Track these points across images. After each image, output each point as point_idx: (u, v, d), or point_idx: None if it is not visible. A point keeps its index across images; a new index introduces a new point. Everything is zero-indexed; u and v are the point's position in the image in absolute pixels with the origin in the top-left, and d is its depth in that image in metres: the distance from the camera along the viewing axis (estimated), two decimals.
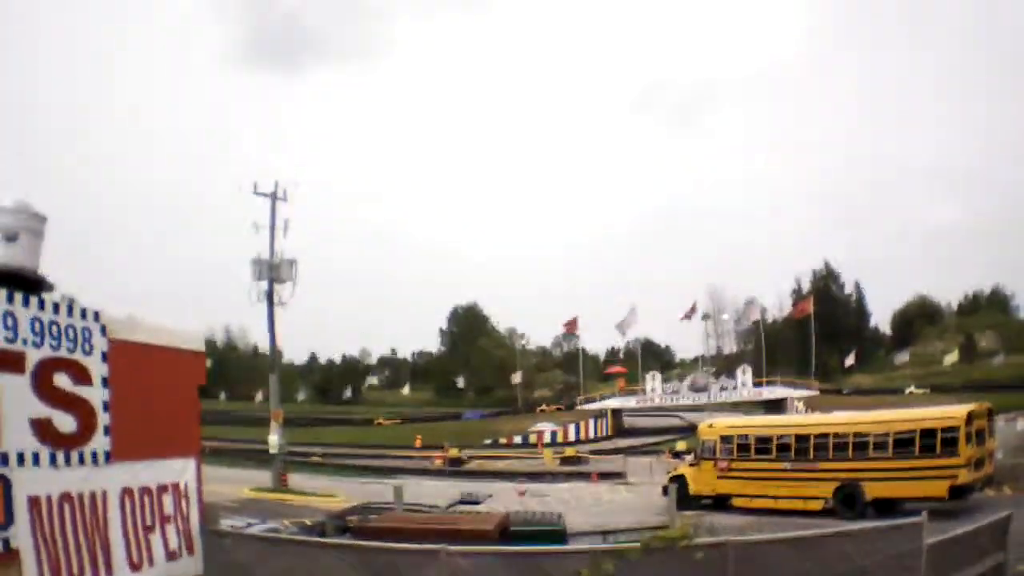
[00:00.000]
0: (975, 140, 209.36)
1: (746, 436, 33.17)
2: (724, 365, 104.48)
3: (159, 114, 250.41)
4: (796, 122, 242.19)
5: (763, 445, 32.31)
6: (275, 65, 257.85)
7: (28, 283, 9.69)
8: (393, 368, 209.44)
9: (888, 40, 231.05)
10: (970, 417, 28.22)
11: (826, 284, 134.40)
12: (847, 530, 12.22)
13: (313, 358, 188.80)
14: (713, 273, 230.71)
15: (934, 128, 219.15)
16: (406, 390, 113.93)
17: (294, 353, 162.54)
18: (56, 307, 9.16)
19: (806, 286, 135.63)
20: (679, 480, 33.99)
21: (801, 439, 31.26)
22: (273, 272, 41.03)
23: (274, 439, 40.33)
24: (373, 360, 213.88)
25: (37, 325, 8.82)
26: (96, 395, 9.61)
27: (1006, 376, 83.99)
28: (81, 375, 9.42)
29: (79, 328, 9.39)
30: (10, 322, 8.49)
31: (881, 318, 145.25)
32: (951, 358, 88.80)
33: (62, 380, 9.15)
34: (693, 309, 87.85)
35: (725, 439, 33.56)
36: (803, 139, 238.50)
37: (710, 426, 35.48)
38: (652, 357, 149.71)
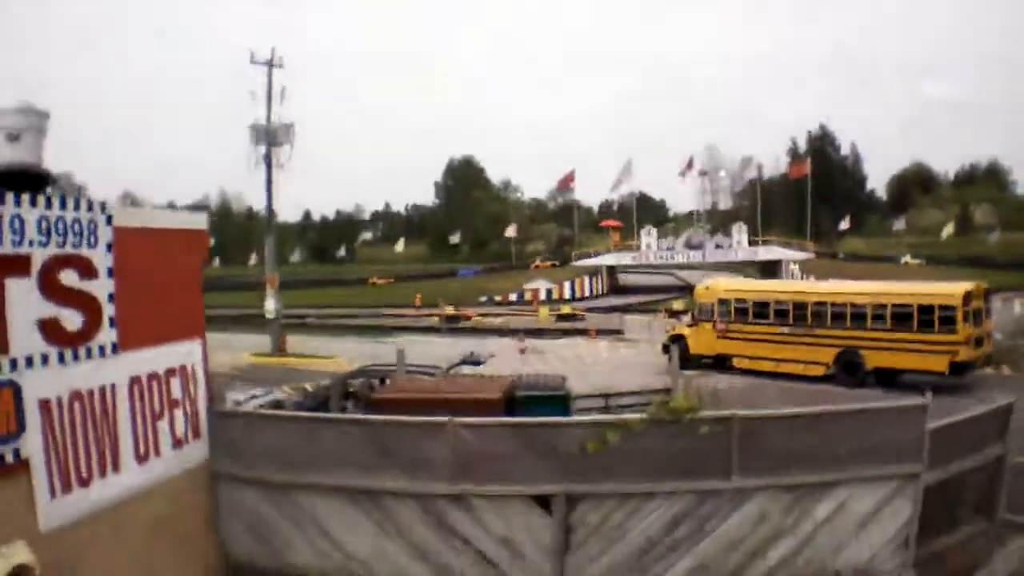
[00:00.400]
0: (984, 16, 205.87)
1: (743, 300, 33.35)
2: (720, 221, 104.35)
3: None
4: None
5: (760, 309, 32.57)
6: None
7: (33, 180, 9.52)
8: (387, 223, 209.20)
9: None
10: (967, 296, 28.39)
11: (822, 146, 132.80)
12: (851, 409, 12.29)
13: (307, 216, 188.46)
14: (711, 130, 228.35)
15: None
16: (400, 246, 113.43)
17: (288, 211, 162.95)
18: (63, 202, 8.95)
19: (802, 146, 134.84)
20: (679, 340, 34.36)
21: (799, 305, 31.48)
22: (270, 136, 40.47)
23: (271, 304, 40.53)
24: (367, 215, 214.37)
25: (44, 224, 8.63)
26: (102, 288, 9.48)
27: (1001, 253, 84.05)
28: (87, 269, 9.27)
29: (85, 221, 9.20)
30: (17, 224, 8.30)
31: (877, 183, 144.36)
32: (948, 230, 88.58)
33: (68, 277, 9.01)
34: (690, 164, 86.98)
35: (722, 302, 33.79)
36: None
37: (707, 288, 35.64)
38: (647, 211, 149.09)
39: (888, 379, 28.95)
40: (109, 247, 9.53)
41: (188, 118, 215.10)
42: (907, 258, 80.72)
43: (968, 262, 75.70)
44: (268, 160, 41.11)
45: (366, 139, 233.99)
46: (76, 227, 9.05)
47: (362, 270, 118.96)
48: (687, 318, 39.25)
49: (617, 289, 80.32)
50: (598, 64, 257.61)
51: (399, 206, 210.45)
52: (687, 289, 76.74)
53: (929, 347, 28.09)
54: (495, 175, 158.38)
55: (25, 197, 8.45)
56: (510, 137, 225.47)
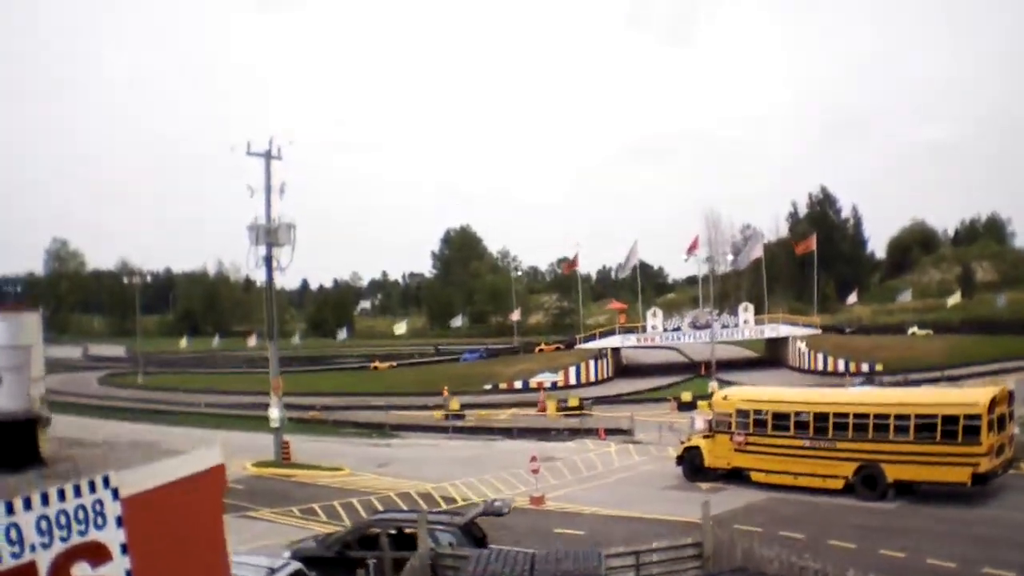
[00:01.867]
0: (974, 61, 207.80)
1: (762, 411, 32.38)
2: (721, 289, 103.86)
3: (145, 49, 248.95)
4: (792, 38, 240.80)
5: (780, 421, 31.59)
6: None
7: (22, 428, 8.63)
8: (385, 293, 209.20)
9: None
10: (992, 404, 27.59)
11: (823, 209, 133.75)
12: None
13: (305, 284, 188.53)
14: (707, 191, 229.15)
15: (933, 47, 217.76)
16: (401, 328, 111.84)
17: (285, 278, 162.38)
18: (62, 494, 8.09)
19: (803, 210, 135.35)
20: (693, 451, 33.45)
21: (820, 417, 30.55)
22: (271, 237, 39.46)
23: (275, 412, 39.43)
24: (364, 283, 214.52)
25: (44, 523, 7.77)
26: (117, 568, 8.62)
27: (1007, 314, 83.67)
28: (98, 554, 8.39)
29: (89, 504, 8.34)
30: (15, 534, 7.44)
31: (877, 242, 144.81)
32: (954, 299, 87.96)
33: (80, 569, 8.15)
34: (695, 245, 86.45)
35: (741, 413, 32.75)
36: (800, 57, 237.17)
37: (725, 398, 34.69)
38: (646, 279, 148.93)
39: (908, 490, 28.14)
40: (119, 522, 8.67)
41: (186, 184, 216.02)
42: (914, 329, 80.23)
43: (975, 327, 75.32)
44: (268, 262, 40.20)
45: (362, 206, 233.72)
46: (81, 514, 8.19)
47: (362, 346, 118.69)
48: (699, 420, 38.08)
49: (622, 369, 79.36)
50: (591, 126, 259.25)
51: (396, 274, 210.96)
52: (693, 366, 76.23)
53: (952, 458, 27.22)
54: (491, 243, 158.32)
55: (18, 504, 7.57)
56: (504, 201, 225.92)
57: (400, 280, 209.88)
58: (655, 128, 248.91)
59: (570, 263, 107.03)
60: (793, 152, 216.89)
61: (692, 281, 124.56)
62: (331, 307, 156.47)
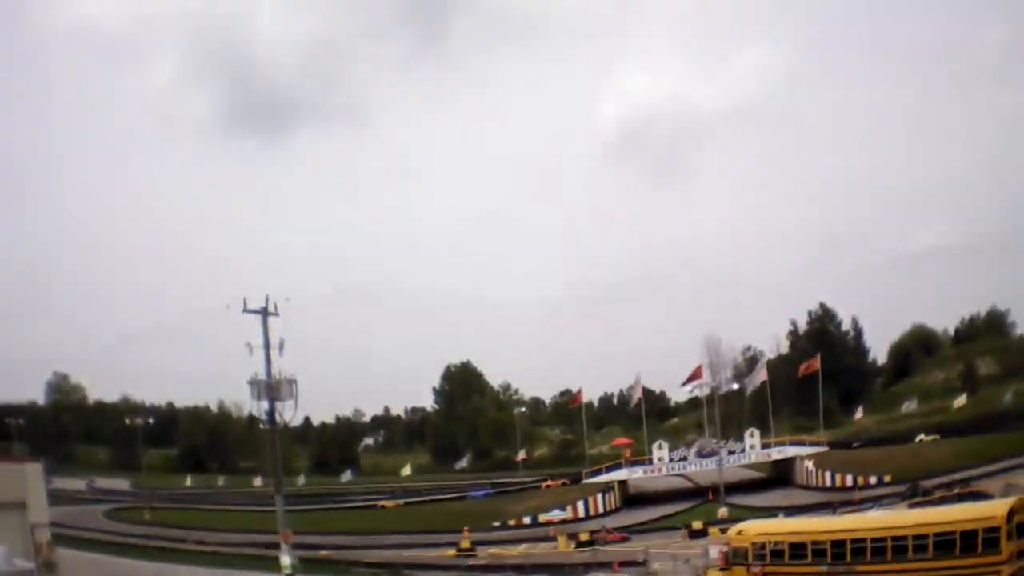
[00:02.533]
0: (957, 161, 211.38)
1: (779, 542, 32.04)
2: (725, 410, 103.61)
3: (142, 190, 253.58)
4: (777, 156, 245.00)
5: (798, 550, 31.23)
6: (253, 133, 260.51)
7: None
8: (388, 429, 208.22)
9: (870, 62, 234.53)
10: (1011, 514, 27.37)
11: (823, 325, 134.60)
12: None
13: (307, 421, 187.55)
14: (706, 315, 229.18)
15: (919, 151, 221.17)
16: (407, 470, 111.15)
17: (288, 416, 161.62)
18: None
19: (803, 327, 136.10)
20: None
21: (837, 543, 30.23)
22: (272, 392, 39.45)
23: (286, 560, 39.05)
24: (367, 418, 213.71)
25: None
26: None
27: (1014, 407, 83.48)
28: None
29: None
30: None
31: (878, 348, 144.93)
32: (959, 401, 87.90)
33: None
34: (697, 375, 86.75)
35: (757, 545, 32.39)
36: (786, 173, 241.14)
37: (739, 533, 34.28)
38: (649, 404, 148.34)
39: None
40: None
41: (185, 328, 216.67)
42: (921, 436, 79.93)
43: (983, 425, 75.13)
44: (272, 418, 40.11)
45: (361, 344, 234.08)
46: None
47: (369, 485, 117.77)
48: (714, 549, 37.73)
49: (629, 499, 78.59)
50: (590, 257, 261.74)
51: (398, 408, 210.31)
52: (700, 492, 75.60)
53: (971, 571, 26.85)
54: (492, 375, 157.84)
55: None
56: (500, 331, 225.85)
57: (403, 414, 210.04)
58: (652, 257, 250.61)
59: (574, 398, 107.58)
60: (791, 269, 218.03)
61: (695, 404, 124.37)
62: (334, 445, 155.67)
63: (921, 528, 28.82)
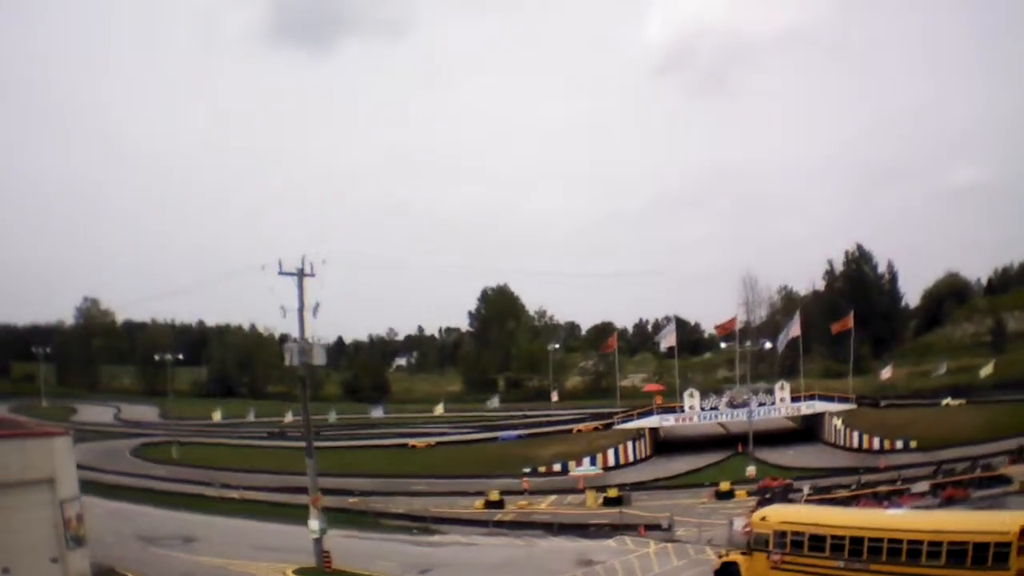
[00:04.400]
0: (1009, 99, 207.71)
1: (800, 532, 33.07)
2: (758, 352, 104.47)
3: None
4: (824, 83, 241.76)
5: (817, 543, 32.25)
6: (296, 46, 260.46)
7: None
8: (421, 349, 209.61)
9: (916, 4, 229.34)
10: (1023, 531, 28.19)
11: (859, 267, 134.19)
12: None
13: (340, 342, 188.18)
14: (743, 238, 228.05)
15: (969, 86, 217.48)
16: (439, 409, 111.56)
17: (319, 334, 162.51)
18: None
19: (838, 267, 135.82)
20: (731, 567, 34.19)
21: (855, 540, 31.18)
22: (306, 356, 39.59)
23: (315, 524, 39.95)
24: (400, 337, 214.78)
25: None
26: None
27: None
28: None
29: None
30: None
31: (912, 292, 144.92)
32: (986, 370, 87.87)
33: None
34: (730, 326, 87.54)
35: (779, 533, 33.45)
36: (832, 100, 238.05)
37: (763, 519, 35.22)
38: (683, 334, 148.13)
39: None
40: None
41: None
42: (947, 400, 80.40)
43: (1007, 392, 75.76)
44: (303, 384, 40.89)
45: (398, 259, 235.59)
46: None
47: (400, 415, 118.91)
48: (738, 522, 38.76)
49: (660, 444, 79.71)
50: (626, 176, 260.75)
51: (432, 328, 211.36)
52: (731, 440, 76.68)
53: None
54: (528, 298, 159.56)
55: None
56: (538, 252, 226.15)
57: (437, 334, 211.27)
58: (691, 178, 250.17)
59: (607, 344, 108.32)
60: (831, 197, 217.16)
61: (729, 336, 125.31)
62: (366, 372, 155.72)
63: (937, 535, 29.66)
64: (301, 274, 39.79)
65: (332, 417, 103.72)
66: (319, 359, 40.38)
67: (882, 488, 48.71)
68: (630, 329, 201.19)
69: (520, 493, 61.98)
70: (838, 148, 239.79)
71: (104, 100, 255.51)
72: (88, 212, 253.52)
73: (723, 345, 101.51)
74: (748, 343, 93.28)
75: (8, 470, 27.59)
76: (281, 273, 39.68)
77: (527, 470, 70.08)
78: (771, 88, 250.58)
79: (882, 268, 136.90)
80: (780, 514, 36.55)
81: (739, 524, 38.05)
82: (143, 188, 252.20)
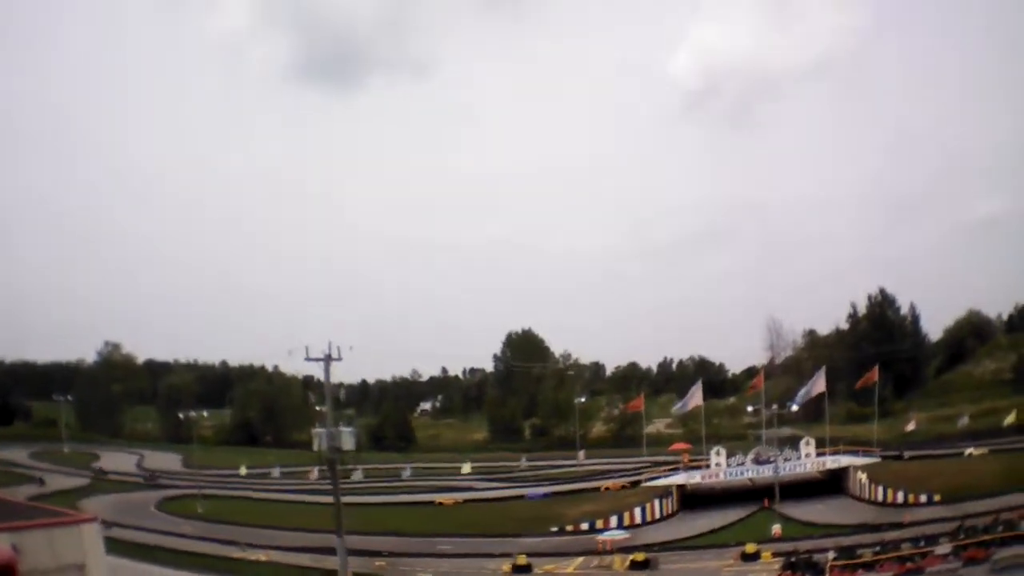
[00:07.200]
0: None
1: None
2: (784, 390, 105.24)
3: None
4: (847, 117, 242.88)
5: None
6: (322, 83, 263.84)
7: None
8: (446, 391, 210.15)
9: (947, 24, 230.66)
10: None
11: (882, 310, 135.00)
12: None
13: (364, 385, 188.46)
14: (765, 277, 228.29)
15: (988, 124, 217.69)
16: (467, 468, 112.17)
17: (343, 374, 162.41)
18: None
19: (861, 309, 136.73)
20: None
21: None
22: (333, 441, 39.04)
23: None
24: (423, 378, 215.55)
25: None
26: None
27: None
28: None
29: None
30: None
31: (933, 328, 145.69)
32: (1009, 419, 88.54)
33: None
34: (759, 383, 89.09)
35: None
36: (856, 134, 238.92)
37: None
38: (706, 373, 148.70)
39: None
40: None
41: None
42: (971, 450, 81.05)
43: None
44: (333, 469, 40.92)
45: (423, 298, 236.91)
46: None
47: (426, 462, 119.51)
48: None
49: (687, 499, 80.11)
50: (651, 213, 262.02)
51: (456, 369, 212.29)
52: (756, 493, 77.17)
53: None
54: (553, 338, 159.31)
55: None
56: (558, 293, 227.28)
57: (460, 375, 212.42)
58: (715, 213, 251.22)
59: (635, 403, 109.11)
60: (854, 232, 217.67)
61: (751, 373, 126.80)
62: (391, 421, 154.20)
63: None
64: (328, 359, 39.51)
65: (358, 475, 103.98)
66: (348, 444, 39.75)
67: (905, 549, 48.97)
68: (654, 368, 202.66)
69: (547, 556, 62.50)
70: (860, 182, 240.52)
71: (125, 139, 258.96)
72: (114, 251, 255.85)
73: (750, 408, 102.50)
74: (775, 407, 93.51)
75: (39, 557, 28.53)
76: (308, 359, 39.71)
77: (554, 528, 70.94)
78: (795, 121, 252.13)
79: (904, 310, 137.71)
80: None
81: None
82: (165, 223, 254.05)
